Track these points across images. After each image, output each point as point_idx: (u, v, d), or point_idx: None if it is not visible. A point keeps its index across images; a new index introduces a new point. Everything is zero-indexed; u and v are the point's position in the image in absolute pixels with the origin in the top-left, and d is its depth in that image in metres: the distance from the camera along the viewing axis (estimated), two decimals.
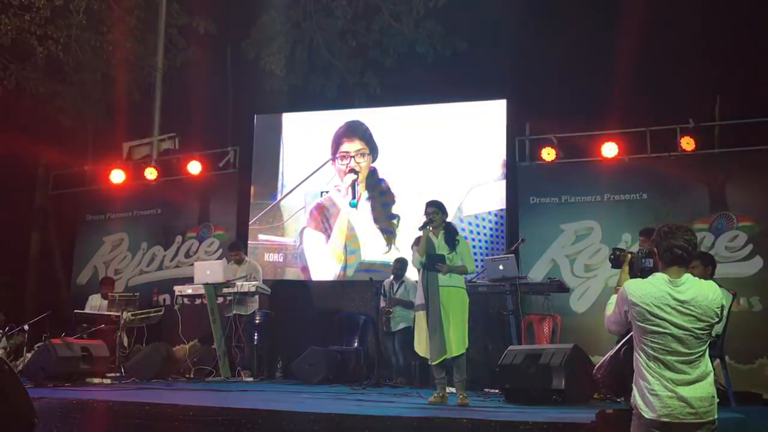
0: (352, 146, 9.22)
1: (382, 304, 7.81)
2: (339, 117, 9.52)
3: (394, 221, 8.83)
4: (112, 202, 10.29)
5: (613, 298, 3.17)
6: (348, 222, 9.01)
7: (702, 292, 2.91)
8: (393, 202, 8.91)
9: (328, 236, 9.06)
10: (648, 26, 8.77)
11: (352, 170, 9.09)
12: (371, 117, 9.35)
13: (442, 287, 5.49)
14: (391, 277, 7.94)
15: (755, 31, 8.59)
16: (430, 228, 5.63)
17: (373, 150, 9.14)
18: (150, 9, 11.22)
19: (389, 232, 8.82)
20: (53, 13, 10.19)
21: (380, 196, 9.00)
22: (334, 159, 9.22)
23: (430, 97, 9.24)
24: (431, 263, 5.52)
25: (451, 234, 5.68)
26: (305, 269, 9.15)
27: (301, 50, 11.41)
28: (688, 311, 2.88)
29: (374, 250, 8.86)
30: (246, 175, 9.63)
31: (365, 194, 9.02)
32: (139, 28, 11.21)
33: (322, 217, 9.12)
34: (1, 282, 10.22)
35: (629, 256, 3.29)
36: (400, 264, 7.96)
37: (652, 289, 2.94)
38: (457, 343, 5.42)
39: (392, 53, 11.06)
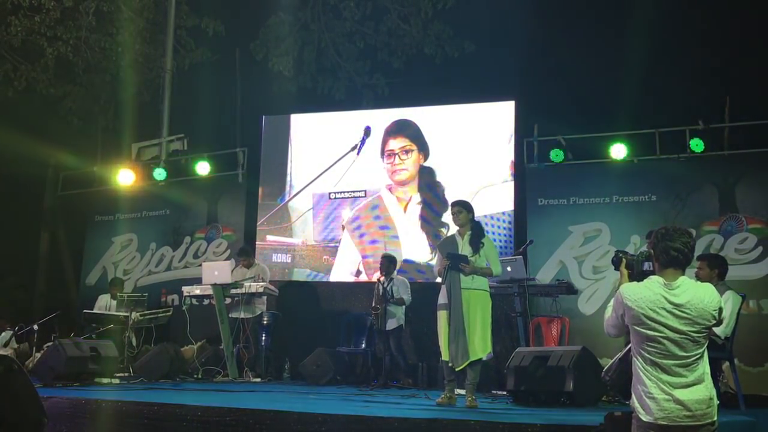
0: (396, 143, 9.04)
1: (374, 303, 7.63)
2: (347, 118, 9.53)
3: (443, 230, 8.51)
4: (121, 202, 10.32)
5: (613, 301, 3.15)
6: (393, 224, 8.80)
7: (697, 296, 2.88)
8: (445, 209, 8.45)
9: (371, 234, 8.87)
10: (657, 27, 8.74)
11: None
12: (379, 118, 9.32)
13: (463, 290, 5.38)
14: (380, 275, 7.76)
15: (765, 31, 8.54)
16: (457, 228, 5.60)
17: (422, 147, 8.90)
18: (159, 10, 11.27)
19: (436, 236, 8.50)
20: (63, 15, 10.27)
21: (431, 199, 8.74)
22: (382, 158, 9.05)
23: (438, 98, 9.23)
24: (454, 263, 5.39)
25: (476, 236, 5.53)
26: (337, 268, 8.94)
27: (309, 51, 11.43)
28: (683, 314, 2.85)
29: (418, 251, 8.55)
30: (254, 176, 9.64)
31: (416, 197, 8.81)
32: (148, 30, 11.26)
33: (369, 216, 8.92)
34: (10, 283, 10.29)
35: (623, 260, 3.26)
36: (388, 261, 7.77)
37: (647, 293, 2.92)
38: (480, 345, 5.34)
39: (400, 55, 11.07)
